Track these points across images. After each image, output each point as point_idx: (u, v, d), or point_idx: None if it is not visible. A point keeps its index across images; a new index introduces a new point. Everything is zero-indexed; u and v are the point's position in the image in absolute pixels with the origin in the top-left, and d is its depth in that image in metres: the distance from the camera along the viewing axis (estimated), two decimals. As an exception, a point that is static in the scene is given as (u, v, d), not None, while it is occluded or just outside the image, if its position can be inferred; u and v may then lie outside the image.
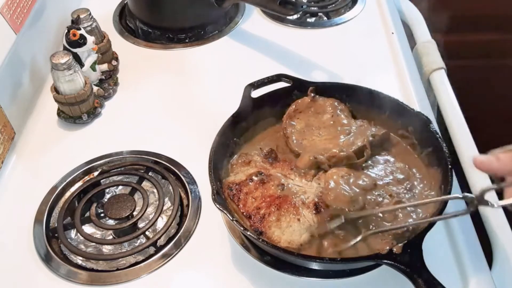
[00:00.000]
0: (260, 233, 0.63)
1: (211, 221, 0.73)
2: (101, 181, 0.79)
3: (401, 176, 0.70)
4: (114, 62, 0.99)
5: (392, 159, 0.73)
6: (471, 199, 0.55)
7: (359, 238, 0.62)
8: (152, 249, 0.70)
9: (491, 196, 0.55)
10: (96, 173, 0.80)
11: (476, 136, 0.84)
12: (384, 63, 0.99)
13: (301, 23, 1.12)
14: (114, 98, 0.95)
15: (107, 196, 0.78)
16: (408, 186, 0.69)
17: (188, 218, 0.73)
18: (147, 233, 0.72)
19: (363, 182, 0.67)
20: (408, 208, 0.66)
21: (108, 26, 1.10)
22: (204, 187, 0.77)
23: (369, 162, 0.72)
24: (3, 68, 0.81)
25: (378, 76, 0.95)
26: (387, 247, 0.57)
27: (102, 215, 0.75)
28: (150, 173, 0.79)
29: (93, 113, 0.90)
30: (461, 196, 0.56)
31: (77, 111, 0.88)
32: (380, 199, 0.67)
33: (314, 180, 0.69)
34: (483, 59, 1.50)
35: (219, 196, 0.64)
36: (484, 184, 0.76)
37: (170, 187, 0.76)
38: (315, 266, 0.66)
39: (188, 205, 0.75)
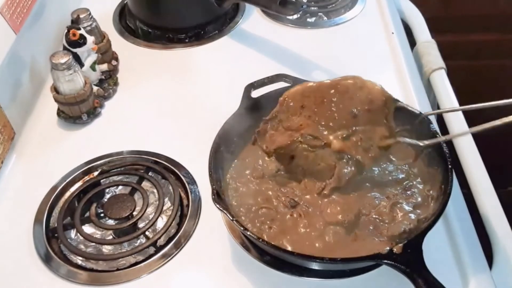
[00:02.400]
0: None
1: (211, 221, 0.73)
2: (101, 181, 0.79)
3: (401, 176, 0.70)
4: (114, 62, 0.99)
5: (392, 159, 0.73)
6: None
7: None
8: (152, 249, 0.70)
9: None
10: (96, 173, 0.80)
11: (476, 136, 0.84)
12: (384, 63, 0.99)
13: (301, 23, 1.11)
14: (114, 98, 0.95)
15: (107, 196, 0.78)
16: (408, 185, 0.68)
17: (188, 218, 0.73)
18: (147, 233, 0.72)
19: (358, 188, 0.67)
20: (407, 208, 0.66)
21: (108, 26, 1.10)
22: (204, 187, 0.76)
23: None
24: (3, 68, 0.81)
25: (378, 76, 0.95)
26: (387, 247, 0.57)
27: (102, 215, 0.74)
28: (150, 173, 0.79)
29: (93, 113, 0.90)
30: None
31: (77, 111, 0.88)
32: (377, 201, 0.67)
33: None
34: (483, 59, 1.50)
35: (219, 196, 0.64)
36: (485, 184, 0.76)
37: (170, 187, 0.76)
38: (315, 266, 0.66)
39: (188, 205, 0.75)
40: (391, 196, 0.67)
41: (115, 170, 0.80)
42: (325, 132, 0.65)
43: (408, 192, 0.68)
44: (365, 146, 0.64)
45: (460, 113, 0.88)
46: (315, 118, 0.66)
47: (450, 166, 0.65)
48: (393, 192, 0.68)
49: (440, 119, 0.91)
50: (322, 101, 0.66)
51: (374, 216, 0.65)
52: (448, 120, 0.88)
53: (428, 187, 0.68)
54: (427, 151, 0.70)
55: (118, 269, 0.68)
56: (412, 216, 0.65)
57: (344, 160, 0.65)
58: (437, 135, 0.69)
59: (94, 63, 0.92)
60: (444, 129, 0.86)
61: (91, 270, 0.68)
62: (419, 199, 0.67)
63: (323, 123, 0.66)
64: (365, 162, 0.64)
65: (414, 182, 0.69)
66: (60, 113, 0.89)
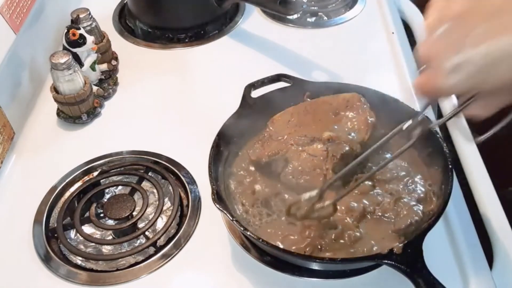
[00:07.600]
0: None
1: (211, 221, 0.73)
2: (101, 181, 0.79)
3: (402, 173, 0.70)
4: (113, 62, 0.99)
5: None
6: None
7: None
8: (152, 249, 0.70)
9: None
10: (95, 173, 0.80)
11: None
12: (384, 63, 0.99)
13: (301, 23, 1.11)
14: (113, 98, 0.95)
15: (107, 196, 0.78)
16: (410, 181, 0.69)
17: (188, 218, 0.73)
18: (146, 233, 0.72)
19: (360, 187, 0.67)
20: (411, 202, 0.66)
21: (107, 26, 1.10)
22: (204, 187, 0.76)
23: (369, 163, 0.72)
24: (2, 68, 0.81)
25: (378, 76, 0.95)
26: (396, 244, 0.57)
27: (101, 215, 0.74)
28: (150, 173, 0.79)
29: (92, 113, 0.90)
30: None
31: (76, 111, 0.88)
32: (380, 198, 0.67)
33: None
34: (483, 59, 1.49)
35: (219, 196, 0.64)
36: (486, 184, 0.76)
37: (170, 187, 0.76)
38: (315, 266, 0.66)
39: (188, 205, 0.75)
40: (394, 192, 0.67)
41: (115, 170, 0.80)
42: (313, 131, 0.72)
43: (410, 188, 0.68)
44: (350, 131, 0.72)
45: (461, 113, 0.88)
46: (301, 125, 0.73)
47: (450, 166, 0.65)
48: (395, 188, 0.68)
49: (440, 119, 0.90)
50: (305, 112, 0.75)
51: (379, 213, 0.65)
52: (449, 120, 0.88)
53: (429, 182, 0.68)
54: (427, 151, 0.70)
55: (118, 269, 0.68)
56: (416, 208, 0.65)
57: (336, 143, 0.70)
58: (437, 135, 0.69)
59: (94, 63, 0.92)
60: (445, 130, 0.86)
61: (91, 270, 0.68)
62: (422, 194, 0.67)
63: (309, 126, 0.73)
64: (352, 145, 0.69)
65: (415, 179, 0.69)
66: (60, 113, 0.89)
